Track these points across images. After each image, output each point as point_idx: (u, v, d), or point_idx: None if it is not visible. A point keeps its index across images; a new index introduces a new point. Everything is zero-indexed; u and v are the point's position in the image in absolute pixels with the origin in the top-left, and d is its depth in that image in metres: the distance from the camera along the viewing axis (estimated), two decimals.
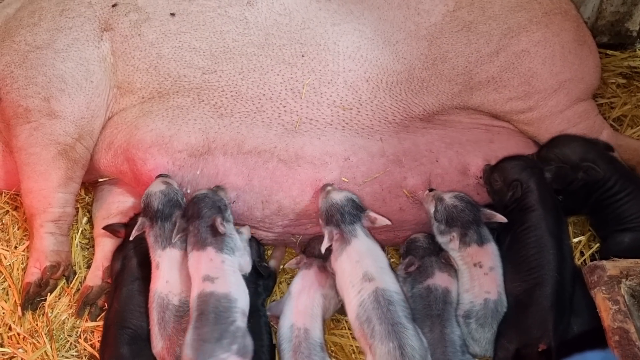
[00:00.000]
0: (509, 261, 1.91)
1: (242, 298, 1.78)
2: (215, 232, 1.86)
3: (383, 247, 1.98)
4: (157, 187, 1.98)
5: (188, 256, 1.88)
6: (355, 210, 1.91)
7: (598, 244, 2.16)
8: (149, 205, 1.95)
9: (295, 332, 1.82)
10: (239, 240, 1.92)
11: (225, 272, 1.80)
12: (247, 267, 1.92)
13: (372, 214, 1.92)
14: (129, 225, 2.10)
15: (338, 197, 1.92)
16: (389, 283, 1.76)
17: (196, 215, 1.90)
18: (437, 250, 1.99)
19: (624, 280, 1.70)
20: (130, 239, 1.97)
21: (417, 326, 1.71)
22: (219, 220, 1.87)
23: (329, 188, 1.97)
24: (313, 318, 1.86)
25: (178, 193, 2.00)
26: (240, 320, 1.73)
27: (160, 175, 2.04)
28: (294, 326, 1.83)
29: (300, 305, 1.88)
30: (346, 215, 1.88)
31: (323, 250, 1.88)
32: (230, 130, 2.09)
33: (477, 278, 1.89)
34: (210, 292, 1.74)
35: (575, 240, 2.19)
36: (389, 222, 1.92)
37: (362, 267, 1.78)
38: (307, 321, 1.85)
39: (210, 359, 1.63)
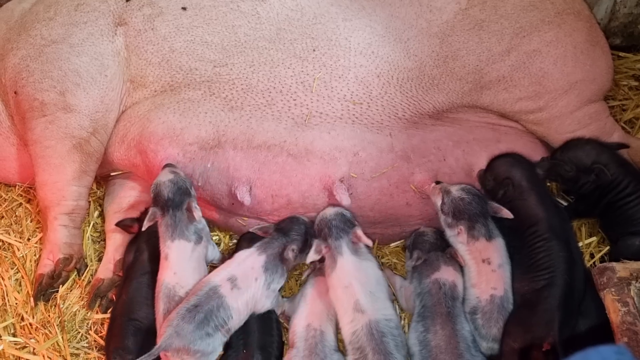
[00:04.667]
0: (519, 264, 1.90)
1: (236, 321, 1.80)
2: (281, 256, 1.91)
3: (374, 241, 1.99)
4: (165, 177, 2.00)
5: (244, 251, 1.92)
6: (343, 225, 1.92)
7: (608, 247, 2.14)
8: (159, 195, 1.97)
9: (311, 332, 1.84)
10: (283, 280, 1.93)
11: (249, 289, 1.82)
12: (260, 308, 1.89)
13: (359, 232, 1.92)
14: (140, 219, 2.12)
15: (328, 212, 1.96)
16: (380, 311, 1.79)
17: (285, 231, 1.96)
18: (444, 246, 2.00)
19: (633, 282, 1.70)
20: (143, 229, 1.99)
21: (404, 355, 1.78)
22: (292, 247, 1.92)
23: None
24: (328, 322, 1.89)
25: (186, 181, 2.01)
26: (221, 334, 1.76)
27: (167, 165, 2.06)
28: (311, 326, 1.86)
29: (316, 308, 1.91)
30: (333, 229, 1.91)
31: (308, 262, 1.92)
32: (240, 124, 2.10)
33: (485, 274, 1.89)
34: (221, 295, 1.76)
35: (587, 241, 2.18)
36: (370, 244, 1.93)
37: (352, 294, 1.80)
38: (323, 324, 1.87)
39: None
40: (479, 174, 2.11)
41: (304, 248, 1.96)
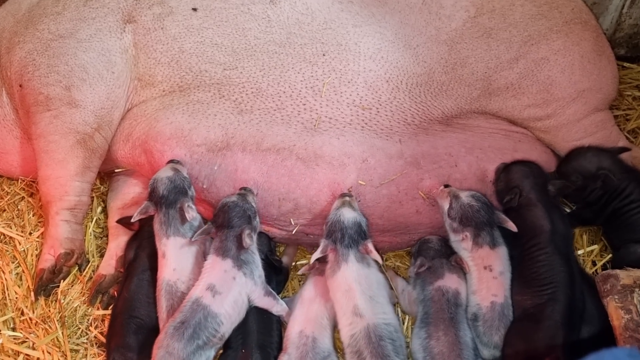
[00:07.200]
0: (518, 275, 1.90)
1: (228, 325, 1.78)
2: (240, 244, 1.87)
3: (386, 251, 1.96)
4: (164, 173, 1.99)
5: (208, 256, 1.89)
6: (357, 236, 1.89)
7: (610, 255, 2.16)
8: (155, 191, 1.97)
9: (303, 339, 1.83)
10: (259, 263, 1.90)
11: (230, 290, 1.80)
12: (256, 300, 1.87)
13: (369, 246, 1.88)
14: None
15: (347, 216, 1.90)
16: (379, 315, 1.77)
17: (225, 224, 1.90)
18: (448, 254, 2.00)
19: (637, 289, 1.71)
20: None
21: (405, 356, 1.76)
22: (246, 232, 1.87)
23: (347, 198, 1.95)
24: (323, 327, 1.88)
25: (185, 180, 2.00)
26: (213, 344, 1.75)
27: (171, 161, 2.05)
28: (303, 333, 1.84)
29: (311, 313, 1.90)
30: (346, 237, 1.88)
31: (312, 260, 1.90)
32: (249, 127, 2.10)
33: (486, 281, 1.89)
34: (205, 305, 1.75)
35: (589, 249, 2.19)
36: (380, 260, 1.91)
37: (351, 298, 1.79)
38: (316, 330, 1.86)
39: None
40: (499, 166, 2.10)
41: (253, 222, 1.92)
